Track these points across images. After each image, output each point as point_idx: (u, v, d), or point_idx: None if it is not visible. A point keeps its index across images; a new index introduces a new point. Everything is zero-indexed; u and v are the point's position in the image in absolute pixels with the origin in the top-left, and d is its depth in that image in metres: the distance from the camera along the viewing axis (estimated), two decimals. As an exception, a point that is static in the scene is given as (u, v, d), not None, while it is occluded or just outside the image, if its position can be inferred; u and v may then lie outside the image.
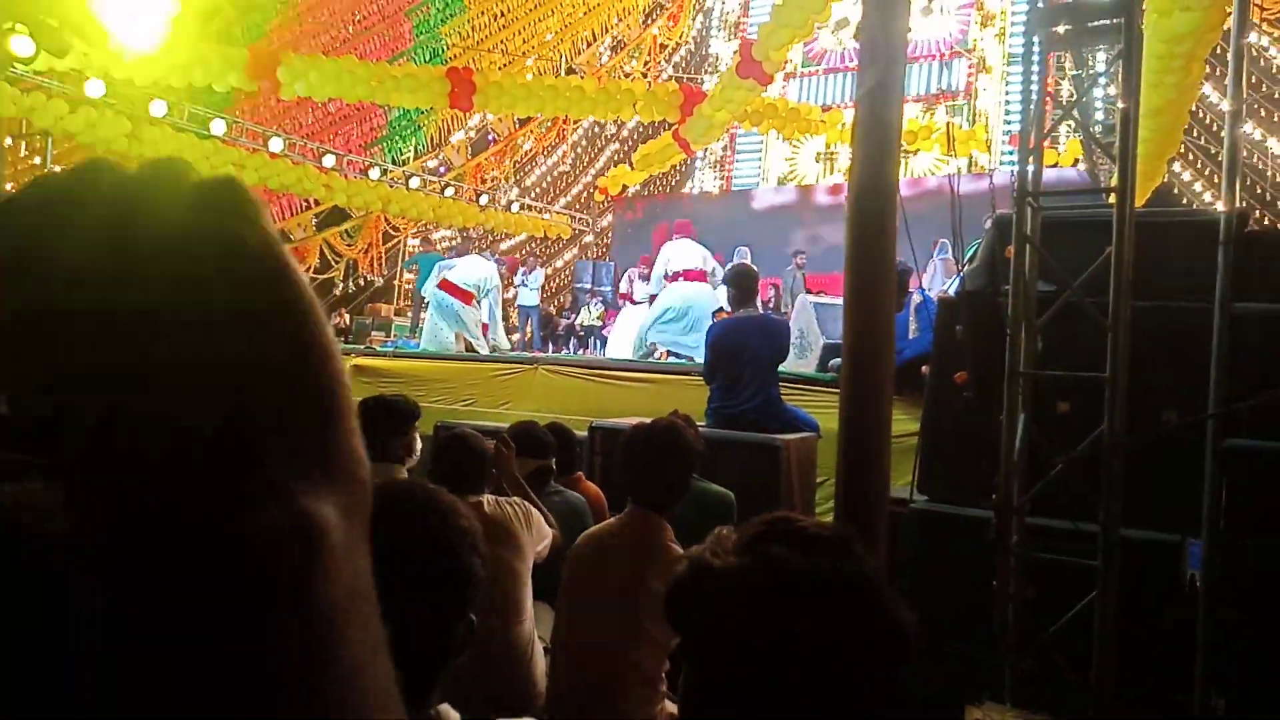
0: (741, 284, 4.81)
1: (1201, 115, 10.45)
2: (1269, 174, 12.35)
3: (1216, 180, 12.17)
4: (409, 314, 14.22)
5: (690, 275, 8.44)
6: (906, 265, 4.92)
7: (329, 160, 12.81)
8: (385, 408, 3.10)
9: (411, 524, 1.03)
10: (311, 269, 15.98)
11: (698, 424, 3.84)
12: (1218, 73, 9.71)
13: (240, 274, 0.29)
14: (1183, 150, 10.50)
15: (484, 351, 8.40)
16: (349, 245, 16.40)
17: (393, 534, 1.01)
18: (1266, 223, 12.23)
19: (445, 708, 1.06)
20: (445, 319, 8.51)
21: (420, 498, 1.07)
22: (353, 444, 0.31)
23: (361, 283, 17.21)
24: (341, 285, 16.92)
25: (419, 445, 3.22)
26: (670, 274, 8.48)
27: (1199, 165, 12.72)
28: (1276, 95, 12.00)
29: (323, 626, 0.27)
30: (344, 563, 0.29)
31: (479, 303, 8.76)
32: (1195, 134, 11.43)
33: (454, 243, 15.51)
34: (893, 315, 2.00)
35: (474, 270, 8.66)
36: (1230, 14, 3.49)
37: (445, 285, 8.60)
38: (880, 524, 1.83)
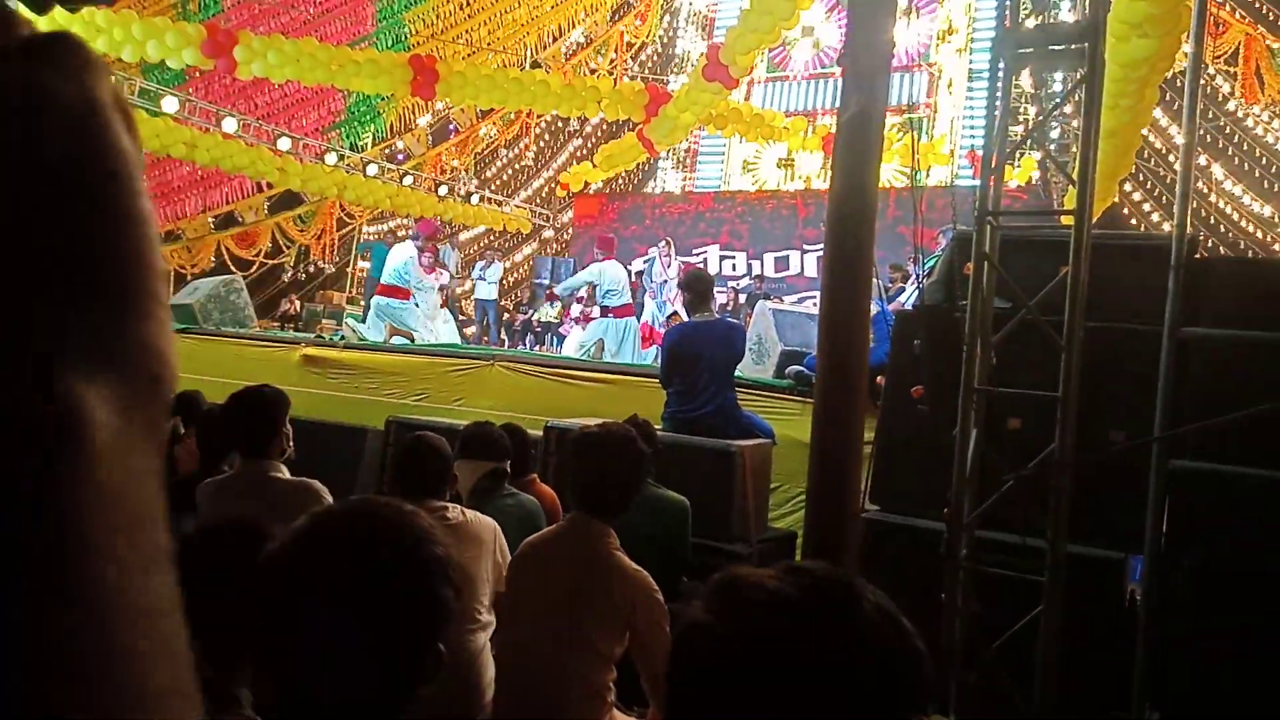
0: (697, 287, 4.79)
1: (1152, 139, 10.78)
2: (1212, 198, 12.75)
3: (1164, 200, 12.56)
4: (361, 302, 13.99)
5: (620, 312, 8.82)
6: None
7: (284, 143, 12.55)
8: (255, 398, 2.69)
9: (385, 550, 0.99)
10: (262, 253, 15.66)
11: (655, 427, 3.83)
12: (1167, 97, 10.01)
13: (38, 123, 0.26)
14: (1134, 170, 10.83)
15: (424, 339, 8.43)
16: (302, 231, 16.08)
17: (363, 559, 0.97)
18: (1210, 245, 12.66)
19: None
20: (382, 319, 8.60)
21: (394, 521, 1.03)
22: (148, 334, 0.27)
23: (313, 269, 16.91)
24: (293, 271, 16.60)
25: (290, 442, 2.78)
26: (604, 307, 8.89)
27: (1149, 186, 13.10)
28: (1222, 122, 12.40)
29: (69, 532, 0.23)
30: (110, 465, 0.25)
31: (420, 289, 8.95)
32: (1146, 155, 11.77)
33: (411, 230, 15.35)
34: (868, 331, 2.00)
35: (396, 261, 8.73)
36: (1185, 42, 3.58)
37: (381, 290, 8.71)
38: (851, 539, 1.84)
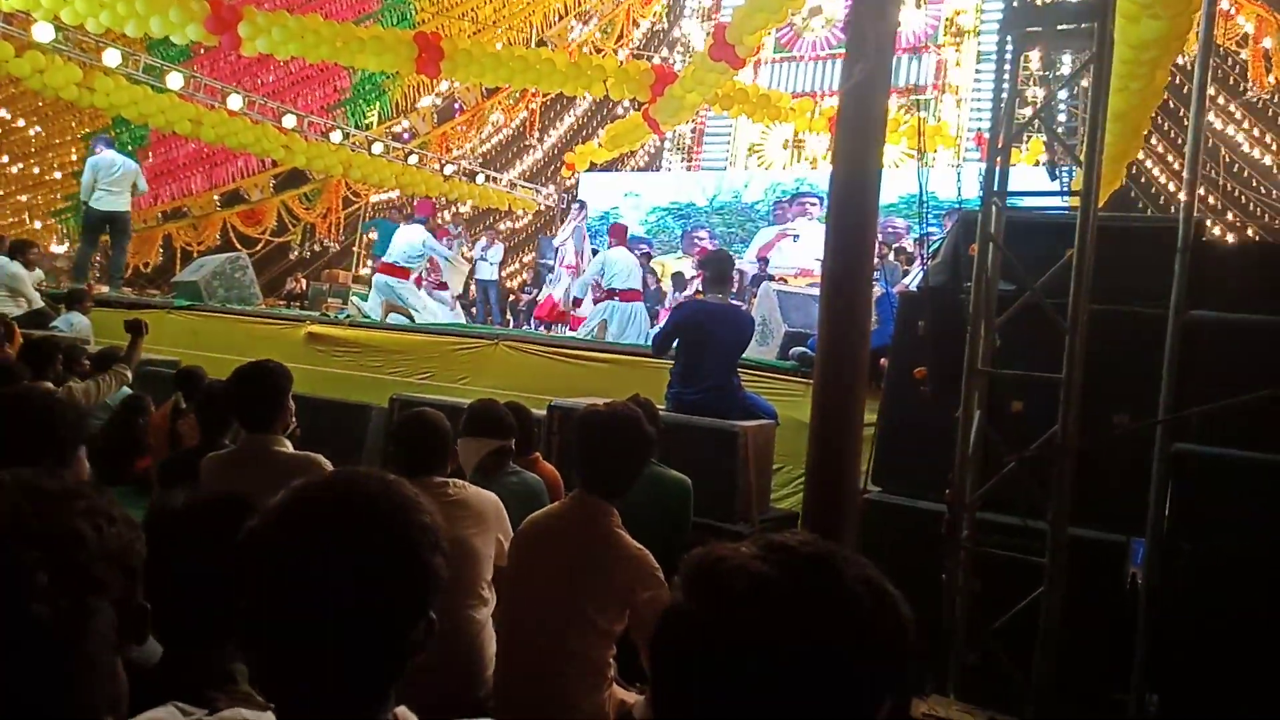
0: (716, 267, 4.83)
1: (1172, 106, 10.62)
2: (1235, 168, 12.57)
3: (1178, 167, 12.41)
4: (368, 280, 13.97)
5: (627, 296, 8.76)
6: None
7: (289, 121, 12.49)
8: (259, 372, 2.65)
9: (369, 520, 0.98)
10: (268, 231, 15.65)
11: (658, 407, 3.83)
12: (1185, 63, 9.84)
13: None
14: (1148, 136, 10.71)
15: (420, 318, 8.46)
16: (308, 209, 16.05)
17: (349, 531, 0.96)
18: (1230, 217, 12.53)
19: (403, 710, 1.03)
20: (381, 295, 8.69)
21: (378, 491, 1.01)
22: None
23: (319, 247, 16.89)
24: (299, 249, 16.59)
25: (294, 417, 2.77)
26: (609, 289, 8.81)
27: (1160, 150, 12.94)
28: (1242, 89, 12.21)
29: None
30: None
31: (421, 270, 9.23)
32: (1160, 121, 11.61)
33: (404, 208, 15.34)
34: (869, 309, 2.00)
35: (404, 242, 8.81)
36: (1197, 24, 3.53)
37: (382, 268, 8.76)
38: (851, 518, 1.84)
